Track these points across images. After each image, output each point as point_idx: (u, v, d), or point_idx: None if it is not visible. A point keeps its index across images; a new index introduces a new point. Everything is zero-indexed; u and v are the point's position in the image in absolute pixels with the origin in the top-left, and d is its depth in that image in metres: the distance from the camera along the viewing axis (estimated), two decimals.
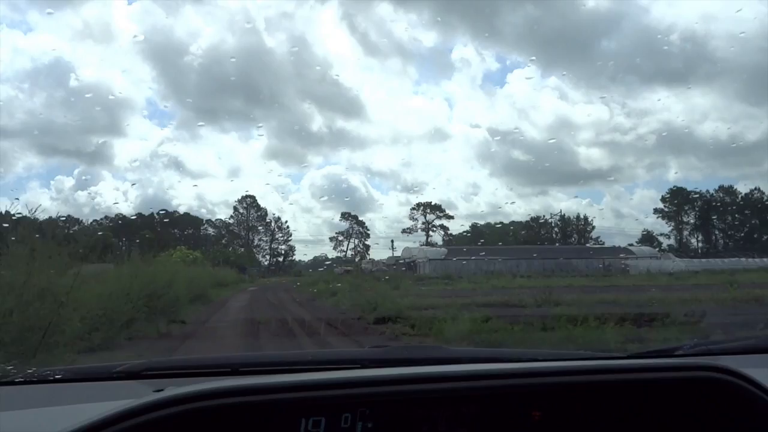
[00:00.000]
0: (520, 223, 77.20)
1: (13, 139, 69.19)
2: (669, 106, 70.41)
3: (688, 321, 10.71)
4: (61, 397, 1.62)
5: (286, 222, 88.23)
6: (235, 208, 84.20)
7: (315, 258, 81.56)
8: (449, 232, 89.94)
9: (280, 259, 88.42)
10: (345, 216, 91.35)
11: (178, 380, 1.59)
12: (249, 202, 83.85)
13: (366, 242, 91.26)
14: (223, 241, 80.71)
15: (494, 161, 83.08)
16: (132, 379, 1.71)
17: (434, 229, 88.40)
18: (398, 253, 70.44)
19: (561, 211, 75.57)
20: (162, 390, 1.49)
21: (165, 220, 68.74)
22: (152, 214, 69.85)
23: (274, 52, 77.14)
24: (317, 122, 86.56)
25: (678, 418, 1.31)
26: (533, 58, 76.76)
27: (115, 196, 76.44)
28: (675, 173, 77.65)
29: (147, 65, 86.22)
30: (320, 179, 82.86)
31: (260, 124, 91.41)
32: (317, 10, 75.86)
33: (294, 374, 1.61)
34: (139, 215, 69.43)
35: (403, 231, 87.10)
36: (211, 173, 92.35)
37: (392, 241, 75.73)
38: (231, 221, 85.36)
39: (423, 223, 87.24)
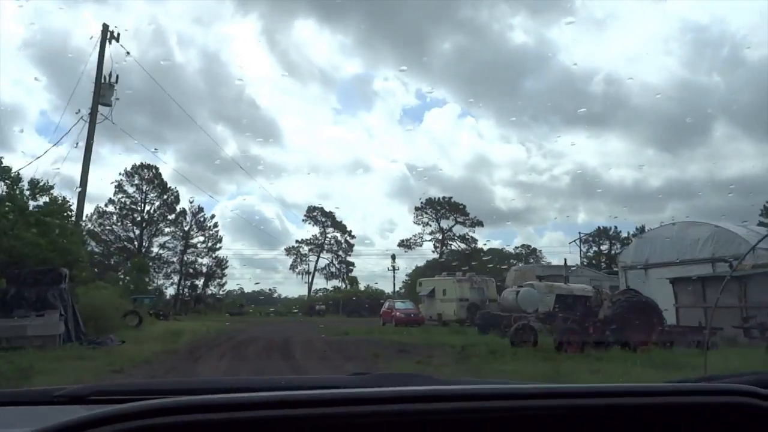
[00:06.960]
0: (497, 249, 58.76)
1: None
2: (583, 148, 69.52)
3: None
4: None
5: (213, 217, 55.23)
6: (120, 186, 48.72)
7: (228, 293, 57.60)
8: (476, 246, 57.27)
9: (198, 282, 54.90)
10: (312, 214, 60.54)
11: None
12: (148, 175, 49.95)
13: (348, 256, 61.41)
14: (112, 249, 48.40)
15: (412, 197, 77.43)
16: (75, 404, 1.52)
17: (452, 240, 59.13)
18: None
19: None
20: None
21: None
22: None
23: (185, 66, 70.19)
24: (231, 147, 72.40)
25: None
26: (455, 94, 75.00)
27: None
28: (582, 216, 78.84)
29: (38, 72, 69.74)
30: (232, 210, 72.68)
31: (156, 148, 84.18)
32: (237, 21, 70.30)
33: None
34: None
35: (401, 244, 59.86)
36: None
37: (393, 257, 54.19)
38: (111, 209, 50.44)
39: (432, 234, 59.67)
